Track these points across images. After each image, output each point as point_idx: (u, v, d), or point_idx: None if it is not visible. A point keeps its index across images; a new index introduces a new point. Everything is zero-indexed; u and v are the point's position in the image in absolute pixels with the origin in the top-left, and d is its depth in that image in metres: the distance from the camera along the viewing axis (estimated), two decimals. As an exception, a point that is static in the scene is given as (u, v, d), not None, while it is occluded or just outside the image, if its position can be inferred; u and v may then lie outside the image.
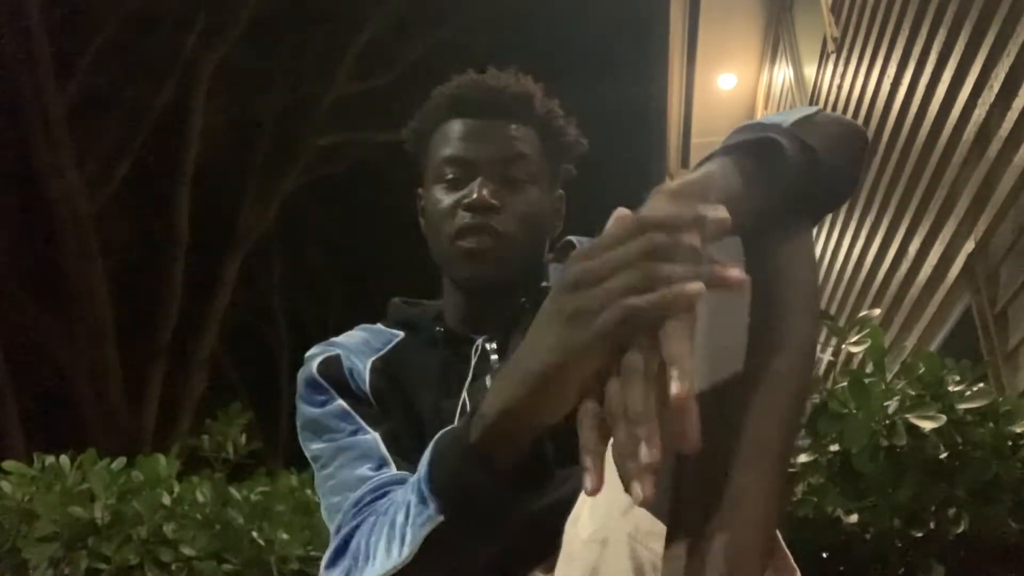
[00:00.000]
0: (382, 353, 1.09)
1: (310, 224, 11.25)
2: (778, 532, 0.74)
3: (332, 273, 11.58)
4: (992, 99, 2.82)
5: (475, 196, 1.05)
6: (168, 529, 1.81)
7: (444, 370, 1.06)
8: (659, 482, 0.55)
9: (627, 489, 0.56)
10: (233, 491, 1.98)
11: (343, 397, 1.03)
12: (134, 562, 1.76)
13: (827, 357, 1.57)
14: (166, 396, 8.46)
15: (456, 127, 1.10)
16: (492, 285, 1.07)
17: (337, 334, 1.13)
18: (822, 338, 1.53)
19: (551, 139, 1.14)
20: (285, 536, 1.87)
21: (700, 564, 0.60)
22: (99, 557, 1.76)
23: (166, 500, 1.85)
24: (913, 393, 1.44)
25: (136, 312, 8.44)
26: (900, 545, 1.42)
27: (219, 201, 9.36)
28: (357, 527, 0.89)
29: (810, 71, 5.53)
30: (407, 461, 0.95)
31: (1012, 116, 2.68)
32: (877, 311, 1.82)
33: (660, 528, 0.66)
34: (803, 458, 1.45)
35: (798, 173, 0.74)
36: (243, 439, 2.81)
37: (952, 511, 1.39)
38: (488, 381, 1.02)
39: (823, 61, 5.16)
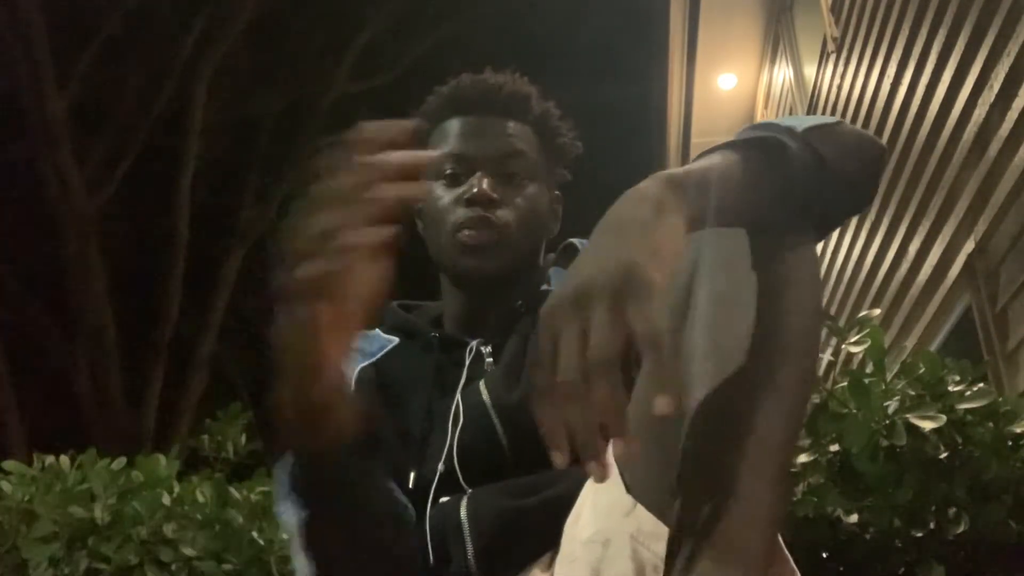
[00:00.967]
0: (375, 359, 1.09)
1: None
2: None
3: (332, 273, 11.54)
4: (992, 99, 2.82)
5: (476, 190, 1.05)
6: (168, 529, 1.80)
7: (438, 374, 1.06)
8: (663, 484, 0.55)
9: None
10: (233, 491, 1.97)
11: None
12: (134, 562, 1.75)
13: (827, 357, 1.57)
14: (166, 396, 8.44)
15: (454, 125, 1.10)
16: (491, 280, 1.07)
17: None
18: (822, 338, 1.53)
19: (547, 138, 1.14)
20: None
21: (701, 565, 0.60)
22: (99, 557, 1.76)
23: (166, 500, 1.85)
24: (913, 393, 1.44)
25: (136, 312, 8.43)
26: (900, 545, 1.42)
27: (219, 201, 9.35)
28: None
29: (810, 71, 5.53)
30: (385, 462, 0.94)
31: (1012, 116, 2.68)
32: (877, 311, 1.82)
33: (662, 530, 0.66)
34: (803, 458, 1.45)
35: (805, 178, 0.74)
36: (243, 439, 2.80)
37: (952, 511, 1.39)
38: (482, 384, 1.01)
39: (823, 61, 5.16)
